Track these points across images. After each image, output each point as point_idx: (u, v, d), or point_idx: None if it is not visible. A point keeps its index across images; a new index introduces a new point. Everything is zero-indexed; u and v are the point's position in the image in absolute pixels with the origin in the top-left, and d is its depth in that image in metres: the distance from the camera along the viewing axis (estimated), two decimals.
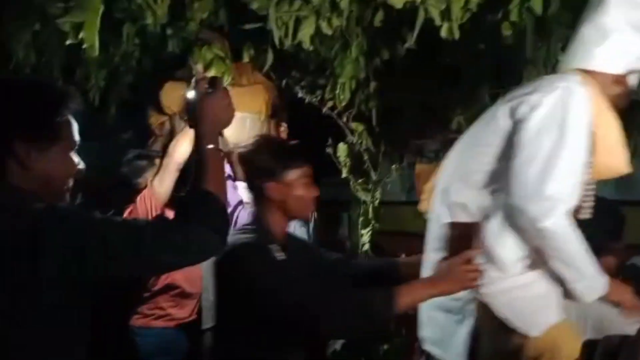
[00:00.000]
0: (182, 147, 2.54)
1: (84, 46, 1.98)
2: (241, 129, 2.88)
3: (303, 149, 1.72)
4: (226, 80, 2.54)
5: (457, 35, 2.34)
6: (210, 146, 1.26)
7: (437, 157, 4.39)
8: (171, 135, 3.02)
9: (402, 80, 3.42)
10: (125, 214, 2.51)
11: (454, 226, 1.63)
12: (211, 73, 2.48)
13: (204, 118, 1.29)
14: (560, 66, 1.76)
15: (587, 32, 1.59)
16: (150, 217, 2.37)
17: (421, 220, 1.80)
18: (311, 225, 3.11)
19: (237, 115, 2.86)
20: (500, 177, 1.58)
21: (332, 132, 2.82)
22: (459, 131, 3.70)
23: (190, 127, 1.34)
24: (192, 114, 1.32)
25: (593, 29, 1.57)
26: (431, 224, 1.76)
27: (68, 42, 2.06)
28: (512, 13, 2.02)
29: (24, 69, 2.74)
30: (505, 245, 1.53)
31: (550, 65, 2.27)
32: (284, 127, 3.03)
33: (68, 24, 1.91)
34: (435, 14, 2.11)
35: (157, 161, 2.59)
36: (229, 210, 2.67)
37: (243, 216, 2.63)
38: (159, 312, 2.64)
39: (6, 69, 2.75)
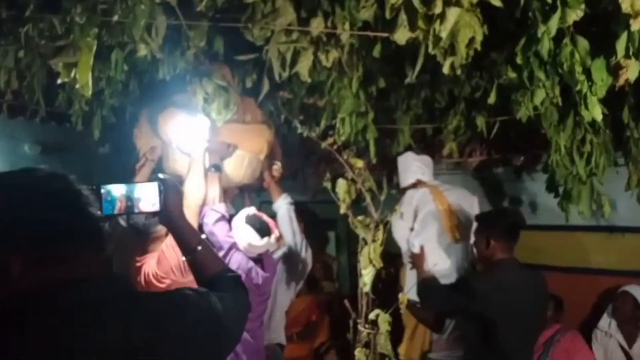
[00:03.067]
0: (197, 187, 2.46)
1: (77, 86, 1.86)
2: (239, 167, 2.81)
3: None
4: (230, 111, 2.44)
5: (459, 72, 2.32)
6: (199, 247, 1.29)
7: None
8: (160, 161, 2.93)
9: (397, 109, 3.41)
10: (142, 262, 2.43)
11: None
12: (214, 105, 2.39)
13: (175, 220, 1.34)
14: None
15: None
16: (182, 265, 2.30)
17: None
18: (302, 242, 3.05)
19: (238, 153, 2.85)
20: None
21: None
22: (450, 157, 3.75)
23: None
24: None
25: None
26: None
27: (60, 81, 1.94)
28: (517, 56, 1.99)
29: (5, 94, 2.61)
30: None
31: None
32: (277, 166, 2.99)
33: (60, 63, 1.80)
34: (438, 52, 2.06)
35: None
36: (222, 253, 2.63)
37: (237, 259, 2.56)
38: None
39: None
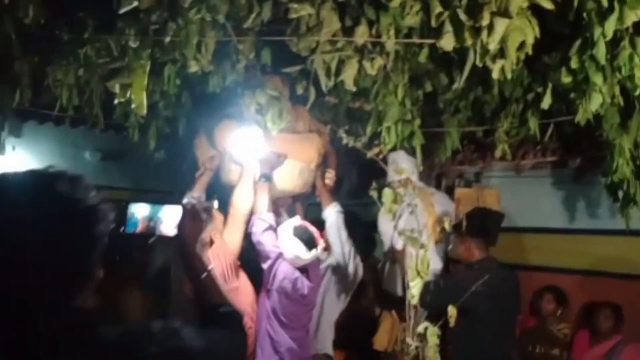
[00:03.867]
0: (245, 196, 2.51)
1: (133, 106, 1.95)
2: (290, 177, 2.84)
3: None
4: (284, 120, 2.48)
5: (509, 75, 2.25)
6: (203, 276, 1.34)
7: (477, 181, 4.31)
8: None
9: (445, 111, 3.35)
10: None
11: None
12: (269, 115, 2.44)
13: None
14: None
15: None
16: (226, 273, 2.36)
17: None
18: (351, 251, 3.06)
19: (289, 162, 2.89)
20: None
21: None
22: (503, 159, 3.64)
23: None
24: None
25: None
26: None
27: (116, 101, 2.04)
28: (572, 60, 1.91)
29: (67, 109, 2.77)
30: None
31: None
32: (331, 174, 2.99)
33: (117, 85, 1.89)
34: (488, 58, 2.01)
35: (215, 211, 2.54)
36: (270, 262, 2.67)
37: (283, 269, 2.59)
38: None
39: (52, 109, 2.81)
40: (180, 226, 1.32)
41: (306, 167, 2.89)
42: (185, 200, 3.01)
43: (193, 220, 1.35)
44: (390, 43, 2.26)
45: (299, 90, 2.58)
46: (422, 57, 2.45)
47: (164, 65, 2.45)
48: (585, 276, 3.82)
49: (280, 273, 2.63)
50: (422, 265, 2.20)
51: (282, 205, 3.06)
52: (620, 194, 2.82)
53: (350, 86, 2.41)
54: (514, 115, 3.09)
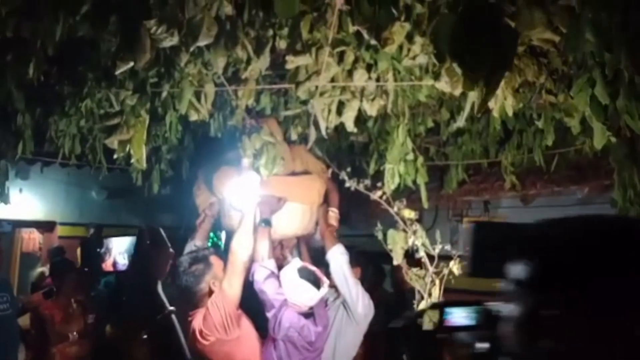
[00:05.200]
0: (245, 244, 2.48)
1: (132, 161, 1.96)
2: (292, 220, 2.81)
3: None
4: (277, 165, 2.48)
5: (510, 113, 2.23)
6: None
7: (485, 210, 4.27)
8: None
9: (448, 143, 3.33)
10: (192, 317, 2.47)
11: None
12: (262, 160, 2.43)
13: None
14: None
15: None
16: (226, 322, 2.31)
17: None
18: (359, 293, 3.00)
19: (290, 205, 2.86)
20: None
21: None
22: (512, 190, 3.61)
23: None
24: None
25: None
26: None
27: (115, 156, 2.05)
28: (574, 99, 1.89)
29: (70, 157, 2.79)
30: None
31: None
32: (334, 213, 2.95)
33: (116, 141, 1.90)
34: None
35: (212, 259, 2.52)
36: (274, 311, 2.62)
37: (288, 317, 2.54)
38: None
39: (55, 157, 2.83)
40: (139, 261, 1.28)
41: (308, 209, 2.85)
42: (186, 248, 2.99)
43: (155, 255, 1.30)
44: (390, 85, 2.26)
45: (294, 136, 2.58)
46: (422, 95, 2.45)
47: (166, 111, 2.46)
48: None
49: (286, 321, 2.57)
50: None
51: (287, 247, 3.03)
52: None
53: (350, 128, 2.41)
54: (519, 147, 3.06)
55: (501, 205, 3.87)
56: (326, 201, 2.95)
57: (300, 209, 2.81)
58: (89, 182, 5.05)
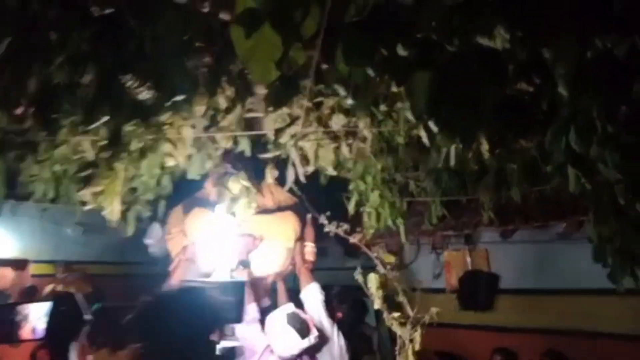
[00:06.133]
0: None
1: (103, 213, 1.91)
2: (269, 259, 2.78)
3: None
4: (251, 208, 2.46)
5: (487, 156, 2.26)
6: None
7: (467, 242, 4.29)
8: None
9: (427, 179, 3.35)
10: None
11: None
12: (240, 204, 2.41)
13: None
14: None
15: None
16: None
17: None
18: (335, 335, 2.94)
19: (266, 244, 2.83)
20: None
21: None
22: (490, 225, 3.64)
23: None
24: None
25: None
26: None
27: (87, 207, 2.00)
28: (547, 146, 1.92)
29: (44, 201, 2.71)
30: None
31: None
32: (310, 248, 2.92)
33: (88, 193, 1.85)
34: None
35: None
36: (257, 357, 2.56)
37: None
38: None
39: (27, 201, 2.75)
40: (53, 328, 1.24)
41: (284, 246, 2.83)
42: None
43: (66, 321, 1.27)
44: (366, 130, 2.28)
45: (271, 179, 2.57)
46: (401, 138, 2.47)
47: (143, 156, 2.43)
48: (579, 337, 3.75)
49: None
50: (412, 357, 2.14)
51: (264, 287, 2.98)
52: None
53: (330, 172, 2.41)
54: (496, 185, 3.09)
55: (482, 239, 3.91)
56: (302, 236, 2.93)
57: (277, 247, 2.78)
58: (64, 219, 4.92)
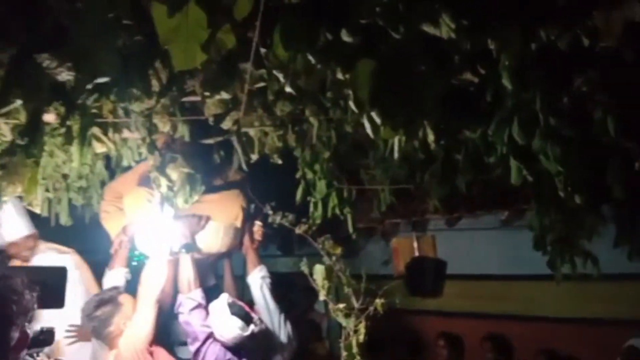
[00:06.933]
0: (156, 273, 2.35)
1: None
2: (215, 239, 2.69)
3: None
4: (196, 194, 2.34)
5: (432, 147, 2.25)
6: None
7: (414, 229, 4.33)
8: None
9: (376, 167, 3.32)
10: None
11: None
12: (180, 193, 2.29)
13: None
14: None
15: None
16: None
17: None
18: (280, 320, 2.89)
19: (212, 224, 2.71)
20: None
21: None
22: (436, 212, 3.67)
23: None
24: None
25: None
26: None
27: (4, 199, 1.83)
28: (491, 137, 1.91)
29: None
30: None
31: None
32: (257, 227, 2.83)
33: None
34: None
35: (122, 299, 2.36)
36: (198, 345, 2.49)
37: (214, 350, 2.43)
38: None
39: None
40: None
41: (230, 226, 2.73)
42: (105, 280, 2.75)
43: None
44: (312, 118, 2.20)
45: (217, 160, 2.47)
46: (349, 127, 2.41)
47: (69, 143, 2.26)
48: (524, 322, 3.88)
49: (211, 355, 2.47)
50: (357, 348, 2.11)
51: (208, 269, 2.89)
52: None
53: (276, 160, 2.33)
54: (443, 174, 3.10)
55: (428, 227, 3.95)
56: (250, 216, 2.84)
57: (222, 227, 2.70)
58: None
